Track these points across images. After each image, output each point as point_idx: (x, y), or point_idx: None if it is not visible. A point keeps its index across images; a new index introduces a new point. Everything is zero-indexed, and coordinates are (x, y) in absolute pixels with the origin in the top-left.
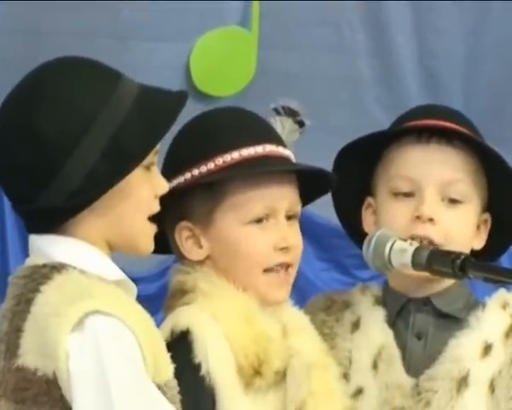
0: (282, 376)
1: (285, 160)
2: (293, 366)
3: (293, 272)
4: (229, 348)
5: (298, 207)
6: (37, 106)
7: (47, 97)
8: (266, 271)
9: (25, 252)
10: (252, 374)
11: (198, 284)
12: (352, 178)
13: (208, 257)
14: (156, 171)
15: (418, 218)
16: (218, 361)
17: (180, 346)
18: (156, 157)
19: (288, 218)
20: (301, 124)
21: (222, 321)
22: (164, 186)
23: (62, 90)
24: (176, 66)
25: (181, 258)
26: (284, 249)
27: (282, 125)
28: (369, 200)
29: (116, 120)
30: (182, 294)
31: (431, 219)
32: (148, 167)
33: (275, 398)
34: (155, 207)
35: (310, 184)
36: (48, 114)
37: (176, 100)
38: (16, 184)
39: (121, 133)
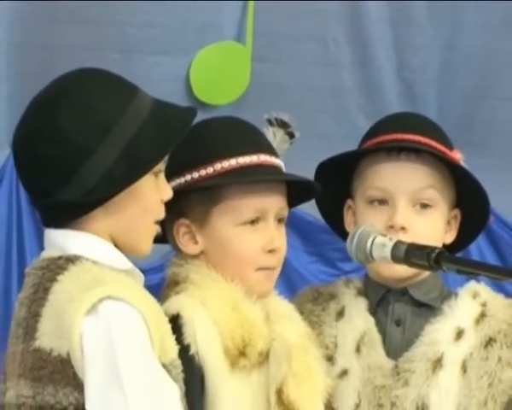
0: (264, 357)
1: (276, 169)
2: (274, 347)
3: (277, 271)
4: (216, 331)
5: (285, 212)
6: (62, 109)
7: (71, 102)
8: (255, 270)
9: (40, 246)
10: (237, 355)
11: (190, 275)
12: (332, 184)
13: (202, 252)
14: (163, 177)
15: (391, 227)
16: (205, 343)
17: (172, 329)
18: (164, 165)
19: (277, 221)
20: (291, 135)
21: (210, 307)
22: (169, 192)
23: (86, 97)
24: (177, 77)
25: (177, 251)
26: (271, 251)
27: (274, 135)
28: (349, 202)
29: (132, 128)
30: (175, 284)
31: (403, 228)
32: (156, 174)
33: (258, 377)
34: (162, 213)
35: (297, 190)
36: (71, 118)
37: (187, 115)
38: (37, 179)
39: (136, 140)
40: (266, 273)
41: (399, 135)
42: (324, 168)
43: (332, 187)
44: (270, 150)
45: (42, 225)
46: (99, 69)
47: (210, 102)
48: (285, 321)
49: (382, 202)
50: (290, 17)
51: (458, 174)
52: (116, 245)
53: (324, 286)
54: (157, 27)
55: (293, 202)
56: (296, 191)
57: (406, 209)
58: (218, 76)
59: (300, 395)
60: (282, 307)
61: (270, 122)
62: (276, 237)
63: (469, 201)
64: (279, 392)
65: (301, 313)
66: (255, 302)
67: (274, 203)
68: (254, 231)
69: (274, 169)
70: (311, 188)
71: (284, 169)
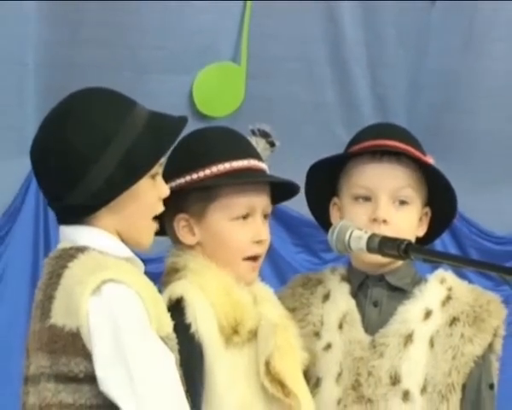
0: (253, 334)
1: (263, 172)
2: (262, 326)
3: (261, 260)
4: (212, 312)
5: (270, 209)
6: (69, 125)
7: (77, 119)
8: (244, 259)
9: None
10: (231, 333)
11: (188, 263)
12: (320, 183)
13: (198, 243)
14: (160, 179)
15: (375, 220)
16: (204, 322)
17: (175, 310)
18: (161, 168)
19: (263, 217)
20: (272, 144)
21: (207, 292)
22: (166, 191)
23: (89, 114)
24: (181, 93)
25: (175, 242)
26: (259, 242)
27: (257, 144)
28: (335, 199)
29: (130, 138)
30: (175, 272)
31: (385, 221)
32: (153, 176)
33: (248, 351)
34: (159, 208)
35: (280, 190)
36: (77, 132)
37: (177, 123)
38: (50, 186)
39: (133, 150)
40: (252, 264)
41: (382, 141)
42: (314, 170)
43: (319, 186)
44: (257, 156)
45: (57, 222)
46: (101, 88)
47: (210, 114)
48: (268, 304)
49: (366, 198)
50: (279, 41)
51: (431, 176)
52: (122, 239)
53: (313, 273)
54: (164, 50)
55: (276, 200)
56: (279, 191)
57: (387, 205)
58: (216, 92)
59: (284, 365)
60: (265, 292)
61: (253, 132)
62: (262, 230)
63: (439, 199)
64: (267, 364)
65: (293, 295)
66: (243, 288)
67: (261, 201)
68: (244, 224)
69: (261, 172)
70: (291, 188)
71: (268, 172)
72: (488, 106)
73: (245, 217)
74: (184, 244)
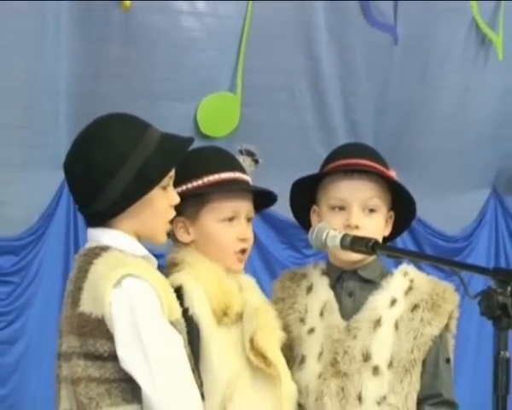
0: (239, 316)
1: (247, 183)
2: (246, 309)
3: (247, 254)
4: (206, 298)
5: (252, 214)
6: (94, 145)
7: (100, 140)
8: (231, 254)
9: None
10: (221, 315)
11: (185, 258)
12: (302, 194)
13: (193, 241)
14: (171, 189)
15: (348, 226)
16: (199, 306)
17: (176, 295)
18: (171, 180)
19: (247, 220)
20: (256, 161)
21: (202, 282)
22: (176, 199)
23: (110, 136)
24: (187, 117)
25: (174, 241)
26: (243, 240)
27: (243, 161)
28: (315, 207)
29: (144, 156)
30: (174, 265)
31: (357, 226)
32: (164, 187)
33: (236, 330)
34: (171, 214)
35: (261, 199)
36: (100, 151)
37: (184, 143)
38: (79, 194)
39: (146, 165)
40: (239, 257)
41: (353, 160)
42: (296, 184)
43: (301, 197)
44: (242, 169)
45: (85, 225)
46: (120, 113)
47: (211, 134)
48: (251, 291)
49: (341, 208)
50: (268, 74)
51: (394, 187)
52: (139, 238)
53: (298, 269)
54: (173, 81)
55: (260, 207)
56: (261, 200)
57: (358, 213)
58: (216, 116)
59: (265, 342)
60: (248, 282)
61: (240, 152)
62: (246, 230)
63: (401, 205)
64: (251, 341)
65: (283, 287)
66: (231, 278)
67: (245, 207)
68: (231, 225)
69: (245, 183)
70: (271, 197)
71: (251, 183)
72: (440, 129)
73: (231, 219)
74: (181, 242)
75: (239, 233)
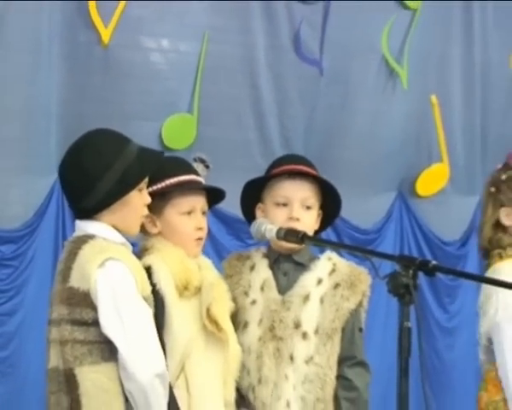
0: (198, 290)
1: (200, 183)
2: (204, 284)
3: (203, 241)
4: (171, 276)
5: (206, 208)
6: (84, 155)
7: (88, 150)
8: (191, 241)
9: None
10: (182, 289)
11: (154, 244)
12: (250, 194)
13: (159, 232)
14: (145, 191)
15: (291, 218)
16: (165, 282)
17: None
18: (145, 184)
19: (202, 213)
20: (207, 166)
21: (167, 262)
22: (149, 199)
23: (97, 147)
24: (154, 134)
25: (144, 232)
26: (200, 229)
27: (197, 167)
28: (260, 205)
29: (125, 164)
30: (145, 250)
31: (297, 219)
32: (140, 190)
33: (195, 301)
34: (145, 211)
35: (213, 196)
36: (88, 159)
37: (158, 156)
38: (70, 194)
39: (127, 172)
40: (197, 243)
41: (295, 166)
42: (249, 184)
43: (249, 196)
44: (196, 173)
45: (74, 218)
46: (106, 129)
47: (173, 147)
48: (207, 270)
49: (284, 204)
50: (219, 100)
51: (325, 189)
52: (118, 230)
53: (244, 252)
54: (142, 104)
55: (212, 203)
56: (212, 197)
57: (299, 208)
58: (177, 133)
59: (219, 311)
60: (205, 262)
61: (195, 160)
62: (201, 221)
63: (328, 205)
64: (208, 310)
65: (230, 266)
66: (192, 259)
67: (199, 202)
68: (189, 218)
69: (199, 183)
70: (220, 193)
71: (204, 183)
72: (356, 145)
73: (189, 213)
74: (150, 233)
75: (196, 224)
